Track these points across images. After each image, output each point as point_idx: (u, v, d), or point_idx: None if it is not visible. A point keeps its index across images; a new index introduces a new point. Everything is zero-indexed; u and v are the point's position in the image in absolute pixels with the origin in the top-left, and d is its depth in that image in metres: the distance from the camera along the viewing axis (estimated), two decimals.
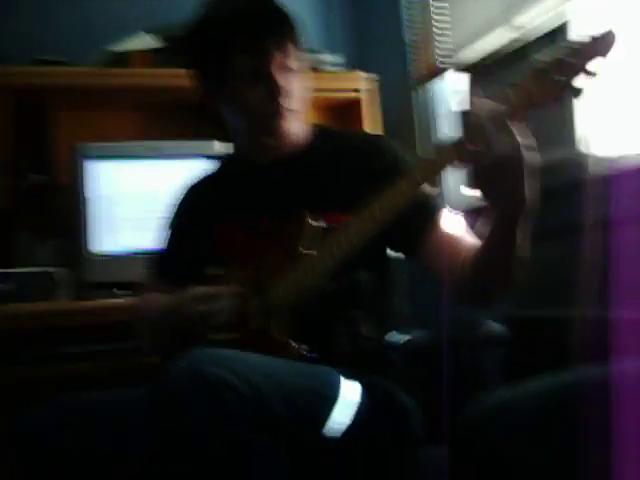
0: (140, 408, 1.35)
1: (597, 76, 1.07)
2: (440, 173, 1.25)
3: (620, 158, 1.74)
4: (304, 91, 1.49)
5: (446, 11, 2.40)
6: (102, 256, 2.26)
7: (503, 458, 0.87)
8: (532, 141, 1.11)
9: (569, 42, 1.10)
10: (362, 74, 2.58)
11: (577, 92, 1.09)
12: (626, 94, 1.73)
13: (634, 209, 1.55)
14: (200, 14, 1.50)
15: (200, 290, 1.41)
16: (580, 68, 1.07)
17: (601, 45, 1.06)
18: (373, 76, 2.56)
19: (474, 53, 2.26)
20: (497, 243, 1.23)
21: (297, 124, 1.51)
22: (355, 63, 2.75)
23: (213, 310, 1.38)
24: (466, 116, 1.13)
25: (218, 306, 1.38)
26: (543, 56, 1.10)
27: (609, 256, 1.51)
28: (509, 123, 1.10)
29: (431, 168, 1.23)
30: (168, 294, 1.53)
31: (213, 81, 1.48)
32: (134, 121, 2.55)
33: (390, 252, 1.52)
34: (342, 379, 1.30)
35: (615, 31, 1.06)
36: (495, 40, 2.14)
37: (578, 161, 1.80)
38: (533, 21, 1.96)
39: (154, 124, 2.54)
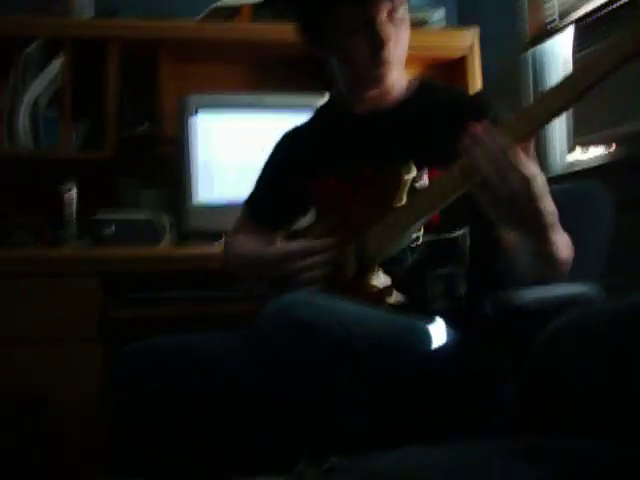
0: (236, 351, 1.40)
1: None
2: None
3: None
4: (408, 42, 1.48)
5: None
6: (204, 206, 2.31)
7: (574, 385, 0.86)
8: (536, 165, 1.13)
9: None
10: (467, 31, 2.52)
11: None
12: None
13: None
14: None
15: (296, 246, 1.45)
16: None
17: None
18: (477, 30, 2.50)
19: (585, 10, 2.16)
20: (535, 259, 1.24)
21: (400, 76, 1.51)
22: (461, 19, 2.70)
23: (309, 266, 1.41)
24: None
25: (314, 261, 1.42)
26: None
27: None
28: (517, 159, 1.10)
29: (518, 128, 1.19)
30: (260, 240, 1.58)
31: (320, 32, 1.49)
32: (242, 75, 2.58)
33: None
34: (434, 332, 1.29)
35: None
36: None
37: None
38: None
39: (262, 78, 2.57)
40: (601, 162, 2.08)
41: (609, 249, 1.48)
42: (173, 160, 2.39)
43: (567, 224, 1.28)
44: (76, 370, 2.01)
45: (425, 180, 1.42)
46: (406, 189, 1.36)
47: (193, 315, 2.09)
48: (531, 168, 1.12)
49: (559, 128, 2.34)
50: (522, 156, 1.12)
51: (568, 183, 1.72)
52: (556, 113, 1.13)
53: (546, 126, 1.19)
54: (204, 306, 2.12)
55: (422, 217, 1.34)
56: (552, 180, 1.26)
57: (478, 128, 1.15)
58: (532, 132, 1.16)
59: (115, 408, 1.64)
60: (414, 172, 1.37)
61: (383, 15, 1.42)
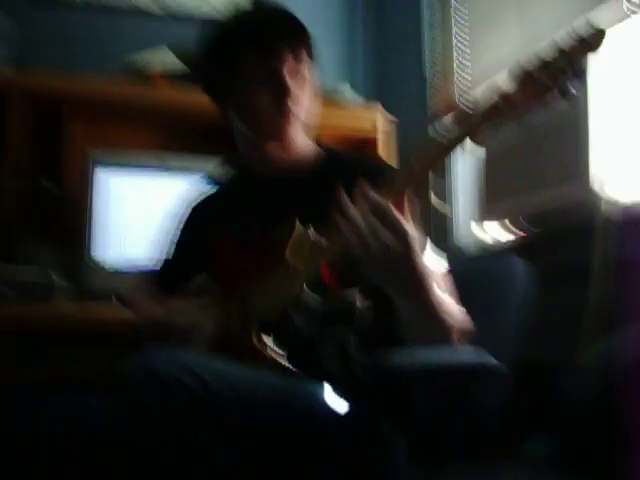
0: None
1: (586, 76, 1.04)
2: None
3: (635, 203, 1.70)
4: (313, 105, 1.47)
5: (467, 47, 2.39)
6: (103, 266, 2.24)
7: None
8: (413, 225, 1.13)
9: (554, 44, 1.07)
10: (380, 111, 2.55)
11: (566, 94, 1.06)
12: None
13: None
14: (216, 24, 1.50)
15: (181, 303, 1.41)
16: (567, 68, 1.04)
17: (588, 43, 1.03)
18: (390, 116, 2.54)
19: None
20: (415, 320, 1.21)
21: (303, 136, 1.50)
22: (374, 98, 2.76)
23: (192, 323, 1.37)
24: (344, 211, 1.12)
25: (198, 319, 1.37)
26: (529, 61, 1.08)
27: (621, 301, 1.47)
28: (391, 213, 1.10)
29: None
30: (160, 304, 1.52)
31: (223, 82, 1.46)
32: (149, 137, 2.53)
33: None
34: (326, 397, 1.24)
35: (602, 28, 1.03)
36: None
37: (591, 203, 1.76)
38: None
39: (169, 141, 2.54)
40: (513, 239, 2.10)
41: (528, 324, 1.47)
42: (72, 218, 2.31)
43: (483, 299, 1.27)
44: None
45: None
46: (291, 246, 1.34)
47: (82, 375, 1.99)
48: (405, 225, 1.11)
49: (464, 207, 2.38)
50: (396, 213, 1.11)
51: (483, 259, 1.73)
52: (429, 166, 1.16)
53: (426, 176, 1.17)
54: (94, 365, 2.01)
55: (308, 275, 1.31)
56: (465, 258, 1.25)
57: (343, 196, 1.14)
58: (407, 185, 1.17)
59: None
60: (300, 229, 1.35)
61: (287, 68, 1.41)
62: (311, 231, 1.34)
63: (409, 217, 1.15)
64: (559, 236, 1.81)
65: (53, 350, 2.02)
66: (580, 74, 1.04)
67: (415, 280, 1.14)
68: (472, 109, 1.12)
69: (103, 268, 2.23)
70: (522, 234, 2.03)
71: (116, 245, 2.26)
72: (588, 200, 1.74)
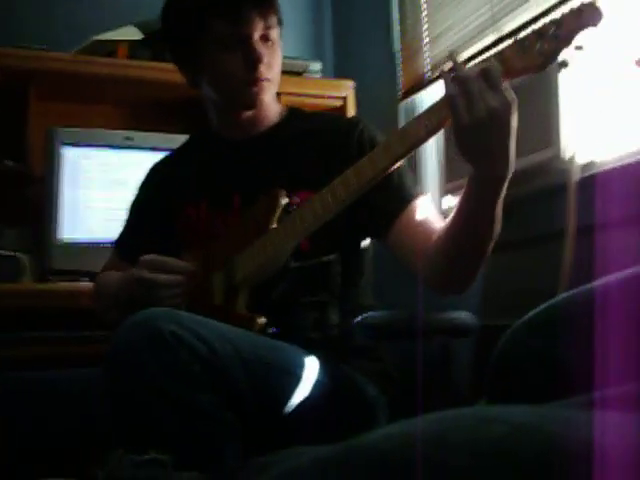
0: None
1: (582, 49, 1.05)
2: (407, 152, 1.19)
3: (603, 162, 1.71)
4: (280, 67, 1.46)
5: (437, 21, 2.38)
6: (70, 244, 2.20)
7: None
8: (516, 101, 1.07)
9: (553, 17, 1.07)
10: (346, 82, 2.55)
11: (562, 64, 1.07)
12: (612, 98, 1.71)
13: (618, 211, 1.51)
14: None
15: (152, 257, 1.37)
16: (563, 38, 1.04)
17: (585, 17, 1.03)
18: (353, 83, 2.54)
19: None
20: (476, 211, 1.16)
21: (272, 102, 1.48)
22: (341, 72, 2.74)
23: (163, 280, 1.33)
24: (457, 72, 1.08)
25: (168, 278, 1.34)
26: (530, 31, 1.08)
27: (594, 261, 1.47)
28: (501, 80, 1.05)
29: (398, 145, 1.18)
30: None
31: (193, 50, 1.43)
32: (116, 114, 2.51)
33: (363, 242, 1.48)
34: (306, 359, 1.25)
35: (599, 3, 1.03)
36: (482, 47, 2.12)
37: (562, 165, 1.77)
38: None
39: (136, 117, 2.51)
40: None
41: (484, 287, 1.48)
42: (38, 197, 2.26)
43: None
44: None
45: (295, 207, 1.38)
46: (278, 214, 1.32)
47: (56, 355, 1.94)
48: (512, 94, 1.06)
49: (431, 177, 2.39)
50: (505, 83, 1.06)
51: None
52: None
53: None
54: (67, 346, 1.97)
55: (293, 240, 1.30)
56: None
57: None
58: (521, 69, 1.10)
59: None
60: (285, 197, 1.33)
61: (258, 34, 1.39)
62: (296, 199, 1.33)
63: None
64: (526, 201, 1.81)
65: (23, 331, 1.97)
66: (576, 46, 1.04)
67: (504, 158, 1.08)
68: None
69: (70, 247, 2.19)
70: None
71: (84, 224, 2.22)
72: (559, 166, 1.75)
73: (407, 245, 1.34)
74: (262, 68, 1.39)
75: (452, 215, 1.21)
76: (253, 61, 1.38)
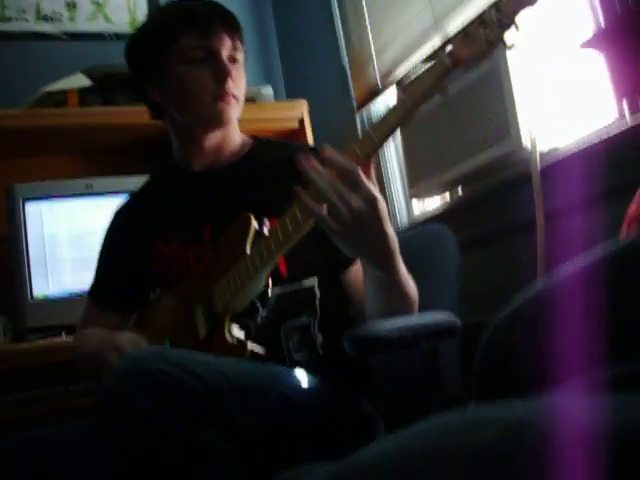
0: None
1: (523, 28, 1.07)
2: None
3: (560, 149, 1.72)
4: (245, 91, 1.46)
5: (382, 31, 2.40)
6: (43, 300, 2.17)
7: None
8: (377, 187, 1.10)
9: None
10: (300, 102, 2.55)
11: (509, 46, 1.09)
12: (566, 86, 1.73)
13: (574, 197, 1.53)
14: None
15: (123, 337, 1.35)
16: (505, 21, 1.07)
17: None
18: (306, 103, 2.54)
19: (412, 66, 2.25)
20: (381, 287, 1.19)
21: (236, 125, 1.48)
22: (293, 93, 2.74)
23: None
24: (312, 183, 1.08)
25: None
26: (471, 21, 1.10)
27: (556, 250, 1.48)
28: (360, 178, 1.07)
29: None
30: (104, 328, 1.48)
31: (160, 68, 1.42)
32: (72, 164, 2.49)
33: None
34: (299, 381, 1.25)
35: None
36: (430, 50, 2.14)
37: (522, 156, 1.78)
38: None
39: (92, 165, 2.50)
40: (440, 210, 2.12)
41: (458, 286, 1.48)
42: (4, 257, 2.23)
43: (419, 264, 1.26)
44: None
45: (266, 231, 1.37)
46: (251, 238, 1.31)
47: (39, 414, 1.91)
48: (374, 189, 1.08)
49: (398, 183, 2.39)
50: (364, 177, 1.07)
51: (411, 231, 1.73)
52: (390, 132, 1.14)
53: (384, 145, 1.16)
54: (49, 403, 1.94)
55: (268, 263, 1.28)
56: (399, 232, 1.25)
57: (312, 159, 1.10)
58: (371, 153, 1.14)
59: None
60: (256, 224, 1.32)
61: (226, 52, 1.40)
62: (266, 224, 1.32)
63: (375, 184, 1.11)
64: (491, 195, 1.82)
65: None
66: (517, 26, 1.07)
67: (386, 247, 1.11)
68: (421, 74, 1.12)
69: (44, 303, 2.16)
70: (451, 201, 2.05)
71: (54, 278, 2.19)
72: (520, 156, 1.76)
73: (354, 293, 1.38)
74: (230, 83, 1.39)
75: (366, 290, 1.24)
76: (222, 74, 1.38)
